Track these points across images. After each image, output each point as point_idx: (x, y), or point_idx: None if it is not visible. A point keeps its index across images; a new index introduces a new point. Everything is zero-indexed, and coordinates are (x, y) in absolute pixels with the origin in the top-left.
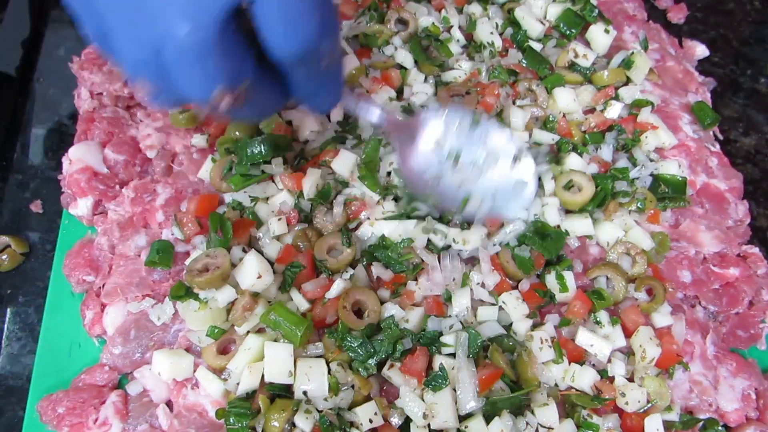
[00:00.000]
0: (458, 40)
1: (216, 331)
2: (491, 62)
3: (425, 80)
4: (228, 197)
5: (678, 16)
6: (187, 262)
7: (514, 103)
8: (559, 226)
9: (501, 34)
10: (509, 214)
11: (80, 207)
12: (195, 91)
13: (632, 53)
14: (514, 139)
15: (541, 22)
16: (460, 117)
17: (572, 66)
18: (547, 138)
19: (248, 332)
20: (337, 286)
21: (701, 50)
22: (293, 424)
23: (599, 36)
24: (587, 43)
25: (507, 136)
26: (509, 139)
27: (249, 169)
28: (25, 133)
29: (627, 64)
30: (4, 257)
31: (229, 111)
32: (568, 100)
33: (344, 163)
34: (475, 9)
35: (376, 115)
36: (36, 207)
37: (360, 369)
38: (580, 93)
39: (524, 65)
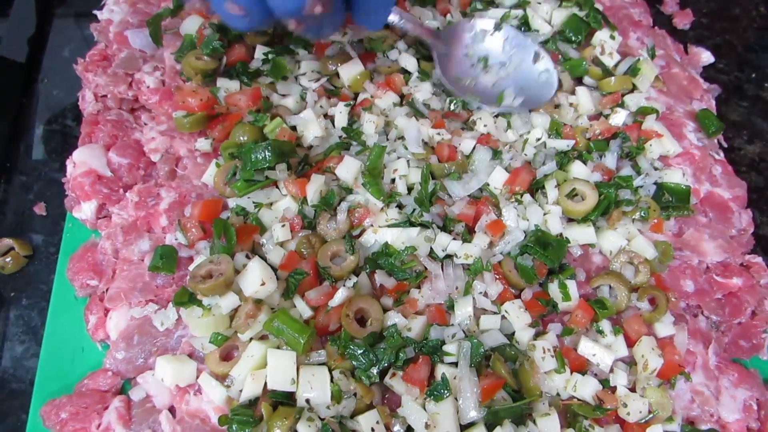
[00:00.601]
0: None
1: (219, 337)
2: None
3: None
4: (232, 202)
5: (684, 21)
6: (191, 267)
7: None
8: (561, 235)
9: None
10: (540, 101)
11: (84, 210)
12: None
13: (638, 60)
14: (532, 40)
15: (549, 24)
16: (484, 24)
17: (595, 61)
18: (561, 145)
19: (251, 339)
20: (341, 294)
21: (706, 57)
22: None
23: (606, 41)
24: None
25: (525, 37)
26: (528, 39)
27: (253, 175)
28: (29, 134)
29: (633, 71)
30: (7, 260)
31: (307, 27)
32: (586, 100)
33: (348, 169)
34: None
35: (415, 29)
36: (40, 209)
37: (362, 377)
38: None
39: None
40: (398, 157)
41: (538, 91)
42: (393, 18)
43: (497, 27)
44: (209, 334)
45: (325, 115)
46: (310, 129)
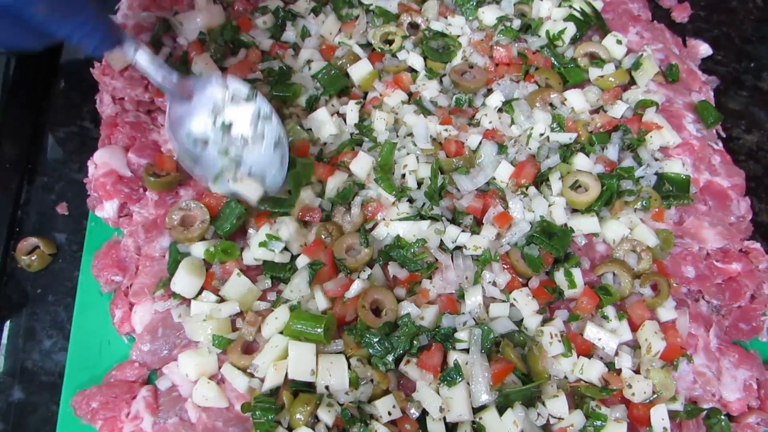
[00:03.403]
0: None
1: (222, 340)
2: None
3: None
4: None
5: (682, 15)
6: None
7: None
8: (566, 225)
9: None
10: (262, 188)
11: (106, 209)
12: None
13: (641, 55)
14: (278, 123)
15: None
16: (237, 88)
17: (592, 59)
18: (564, 138)
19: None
20: (357, 286)
21: (705, 49)
22: (316, 418)
23: (613, 46)
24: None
25: (276, 120)
26: (276, 122)
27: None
28: (49, 136)
29: (634, 65)
30: (33, 258)
31: None
32: (579, 100)
33: (362, 165)
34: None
35: (152, 70)
36: (62, 209)
37: (379, 364)
38: (585, 93)
39: (536, 51)
40: (408, 153)
41: (266, 179)
42: (127, 52)
43: (251, 96)
44: (205, 337)
45: (337, 114)
46: (325, 128)
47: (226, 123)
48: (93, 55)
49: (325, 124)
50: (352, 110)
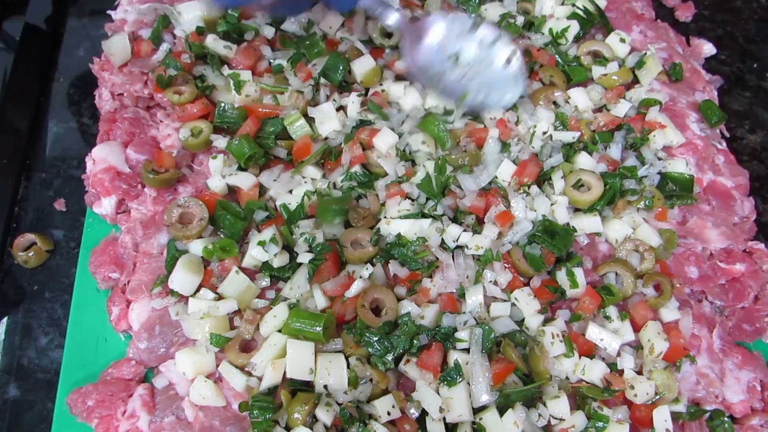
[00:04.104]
0: None
1: (219, 339)
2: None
3: None
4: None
5: (685, 14)
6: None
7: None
8: (568, 224)
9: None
10: (500, 104)
11: (104, 206)
12: None
13: (645, 54)
14: (507, 42)
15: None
16: (462, 21)
17: (596, 58)
18: (567, 137)
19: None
20: (357, 285)
21: (708, 48)
22: (315, 417)
23: (616, 45)
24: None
25: (503, 39)
26: (504, 42)
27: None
28: (47, 132)
29: (638, 64)
30: (30, 254)
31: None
32: (583, 99)
33: (385, 140)
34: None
35: (393, 18)
36: (60, 205)
37: (378, 363)
38: (588, 92)
39: (540, 49)
40: (403, 50)
41: (503, 94)
42: (367, 4)
43: (475, 25)
44: (203, 335)
45: (337, 109)
46: (329, 123)
47: (456, 54)
48: (344, 9)
49: (329, 119)
50: (353, 102)
